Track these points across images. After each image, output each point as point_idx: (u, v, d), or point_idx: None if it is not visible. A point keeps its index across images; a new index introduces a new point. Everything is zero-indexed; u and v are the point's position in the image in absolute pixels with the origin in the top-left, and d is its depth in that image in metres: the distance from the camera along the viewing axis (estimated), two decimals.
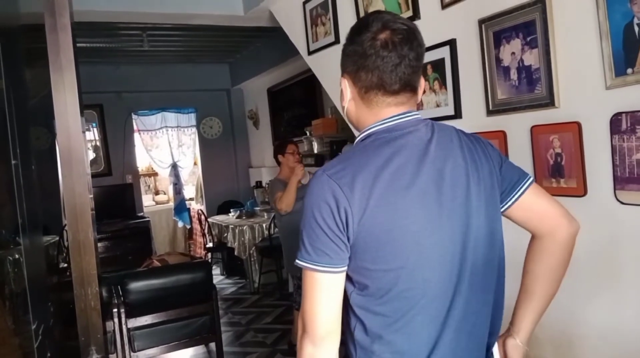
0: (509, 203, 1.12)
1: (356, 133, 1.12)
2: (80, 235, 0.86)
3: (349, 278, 1.01)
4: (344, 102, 1.10)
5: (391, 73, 0.99)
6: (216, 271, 6.46)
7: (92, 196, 1.02)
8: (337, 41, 2.81)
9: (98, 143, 6.80)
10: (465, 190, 1.02)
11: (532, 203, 1.12)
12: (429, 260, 0.98)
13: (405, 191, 0.96)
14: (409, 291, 0.97)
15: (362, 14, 2.53)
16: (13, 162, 1.31)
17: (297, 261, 0.99)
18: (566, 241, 1.14)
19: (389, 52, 0.98)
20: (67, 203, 0.87)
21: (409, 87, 1.03)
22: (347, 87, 1.07)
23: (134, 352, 3.23)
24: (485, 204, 1.05)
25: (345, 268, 0.98)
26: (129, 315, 3.19)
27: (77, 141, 0.91)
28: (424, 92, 1.10)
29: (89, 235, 0.86)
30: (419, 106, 1.92)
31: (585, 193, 1.60)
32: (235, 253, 5.44)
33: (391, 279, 0.97)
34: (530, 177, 1.14)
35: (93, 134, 6.79)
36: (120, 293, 3.24)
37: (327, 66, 3.00)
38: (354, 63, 1.03)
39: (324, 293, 0.97)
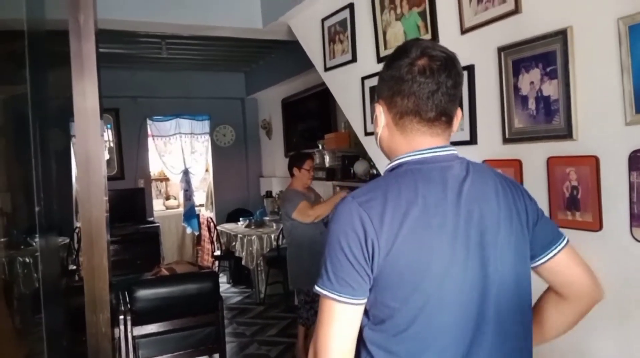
0: (539, 262, 1.10)
1: (378, 158, 1.11)
2: (95, 261, 0.86)
3: (364, 310, 0.98)
4: (377, 129, 1.08)
5: (427, 100, 0.98)
6: (223, 279, 6.46)
7: (106, 198, 1.01)
8: (354, 59, 2.82)
9: (112, 145, 6.87)
10: (494, 237, 1.00)
11: (564, 266, 1.11)
12: (448, 303, 0.95)
13: (434, 231, 0.94)
14: (425, 332, 0.95)
15: (380, 34, 2.54)
16: (33, 164, 1.32)
17: (317, 288, 0.96)
18: (589, 308, 1.14)
19: (426, 78, 0.98)
20: (83, 230, 0.88)
21: (445, 117, 1.02)
22: (381, 113, 1.06)
23: None
24: (514, 255, 1.03)
25: (365, 300, 0.95)
26: (135, 323, 3.20)
27: (95, 152, 0.91)
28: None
29: (104, 261, 0.86)
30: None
31: (600, 228, 1.58)
32: (243, 262, 5.45)
33: (409, 318, 0.94)
34: (565, 238, 1.12)
35: (108, 136, 6.87)
36: (128, 300, 3.26)
37: (343, 84, 3.01)
38: (390, 88, 1.02)
39: (341, 324, 0.94)
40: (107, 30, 3.91)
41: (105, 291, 0.84)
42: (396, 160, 1.04)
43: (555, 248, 1.10)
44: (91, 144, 0.90)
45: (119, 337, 3.15)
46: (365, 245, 0.91)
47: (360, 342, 1.00)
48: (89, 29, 0.88)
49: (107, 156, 6.90)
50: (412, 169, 1.00)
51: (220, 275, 6.45)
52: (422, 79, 0.98)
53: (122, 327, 3.16)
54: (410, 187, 0.96)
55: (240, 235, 5.47)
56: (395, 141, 1.05)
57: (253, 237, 5.37)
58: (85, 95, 0.88)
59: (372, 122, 1.14)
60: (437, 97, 0.99)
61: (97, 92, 0.87)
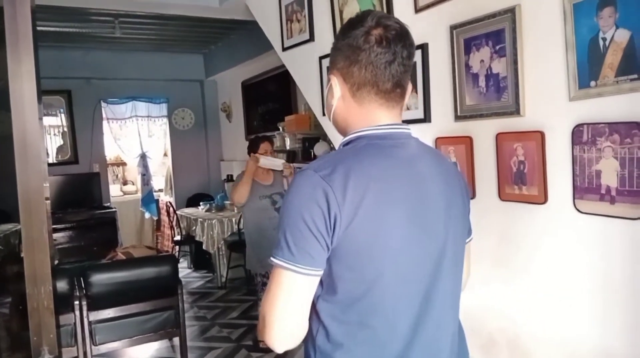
0: None
1: (338, 139, 1.10)
2: (34, 232, 0.83)
3: (319, 281, 0.98)
4: (332, 100, 1.06)
5: (385, 70, 0.98)
6: (183, 264, 6.39)
7: (47, 185, 0.98)
8: (311, 39, 2.80)
9: (65, 129, 6.62)
10: (446, 214, 1.04)
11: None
12: (402, 276, 0.98)
13: (392, 206, 0.95)
14: (378, 303, 0.96)
15: (337, 13, 2.53)
16: None
17: (274, 260, 0.93)
18: None
19: (383, 48, 0.97)
20: (20, 198, 0.85)
21: (400, 88, 1.02)
22: (336, 84, 1.04)
23: (95, 345, 3.17)
24: (460, 232, 1.10)
25: (322, 272, 0.95)
26: (91, 308, 3.13)
27: (33, 136, 0.88)
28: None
29: (43, 232, 0.83)
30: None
31: (545, 200, 1.64)
32: (204, 246, 5.40)
33: (363, 289, 0.96)
34: (472, 234, 1.21)
35: (60, 120, 6.62)
36: (83, 285, 3.18)
37: (301, 63, 2.99)
38: (347, 58, 1.01)
39: (297, 296, 0.94)
40: (56, 7, 3.76)
41: (46, 263, 0.82)
42: (355, 133, 1.03)
43: (467, 239, 1.18)
44: (29, 117, 0.87)
45: (74, 323, 3.08)
46: (328, 217, 0.90)
47: (313, 315, 1.00)
48: None
49: (60, 142, 6.66)
50: (372, 144, 1.00)
51: (181, 260, 6.38)
52: (380, 49, 0.97)
53: (77, 313, 3.09)
54: (371, 162, 0.96)
55: (201, 219, 5.41)
56: (351, 114, 1.05)
57: (214, 221, 5.32)
58: (21, 65, 0.84)
59: (325, 96, 1.13)
60: (393, 68, 0.99)
61: (32, 59, 0.83)
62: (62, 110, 6.58)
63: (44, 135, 1.00)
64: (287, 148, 5.14)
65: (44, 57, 1.52)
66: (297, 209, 0.92)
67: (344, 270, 0.95)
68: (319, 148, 4.49)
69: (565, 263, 1.62)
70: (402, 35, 0.99)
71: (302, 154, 4.88)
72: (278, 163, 3.36)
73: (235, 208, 5.69)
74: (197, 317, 4.58)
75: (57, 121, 6.63)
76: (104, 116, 6.82)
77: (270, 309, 0.94)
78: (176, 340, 3.61)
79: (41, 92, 0.97)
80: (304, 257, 0.91)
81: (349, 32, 1.01)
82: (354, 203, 0.91)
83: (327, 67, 1.11)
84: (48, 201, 0.96)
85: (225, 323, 4.37)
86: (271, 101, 5.95)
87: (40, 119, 0.99)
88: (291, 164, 3.62)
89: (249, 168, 3.30)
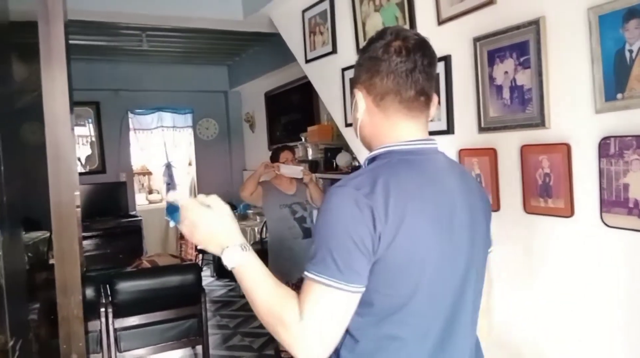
0: None
1: (360, 149, 1.12)
2: (65, 243, 0.86)
3: None
4: (357, 114, 1.07)
5: (407, 78, 1.00)
6: (207, 272, 6.45)
7: (78, 193, 1.01)
8: (334, 51, 2.83)
9: (93, 139, 6.78)
10: (475, 228, 1.05)
11: None
12: (433, 292, 0.98)
13: (429, 224, 0.96)
14: (411, 318, 0.97)
15: (359, 25, 2.55)
16: None
17: (315, 277, 0.91)
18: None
19: (403, 57, 1.00)
20: (53, 210, 0.88)
21: (424, 96, 1.03)
22: (361, 98, 1.06)
23: (120, 352, 3.22)
24: (485, 246, 1.10)
25: (364, 288, 0.94)
26: (116, 315, 3.19)
27: (66, 148, 0.92)
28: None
29: (74, 245, 0.86)
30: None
31: (572, 213, 1.62)
32: None
33: (398, 304, 0.96)
34: (492, 248, 1.18)
35: (89, 130, 6.78)
36: (109, 292, 3.24)
37: (323, 75, 3.02)
38: (368, 70, 1.03)
39: (344, 313, 0.92)
40: (86, 22, 3.87)
41: (76, 274, 0.84)
42: (383, 148, 1.03)
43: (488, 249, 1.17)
44: (61, 131, 0.90)
45: (100, 330, 3.14)
46: (374, 235, 0.91)
47: None
48: (57, 12, 0.88)
49: (89, 151, 6.82)
50: (405, 159, 1.01)
51: (204, 268, 6.43)
52: (399, 58, 0.99)
53: (103, 320, 3.15)
54: (407, 179, 0.97)
55: None
56: (377, 126, 1.05)
57: None
58: (54, 79, 0.88)
59: (351, 112, 1.14)
60: (415, 75, 1.00)
61: (65, 74, 0.87)
62: (90, 120, 6.75)
63: (75, 157, 1.03)
64: (310, 158, 5.16)
65: (74, 70, 1.56)
66: (344, 228, 0.91)
67: (380, 285, 0.95)
68: (341, 159, 4.49)
69: (592, 277, 1.59)
70: (421, 44, 1.02)
71: (325, 165, 4.89)
72: (297, 170, 3.39)
73: (258, 217, 5.73)
74: (219, 325, 4.61)
75: (85, 131, 6.80)
76: (131, 126, 6.96)
77: (311, 324, 0.90)
78: (199, 348, 3.64)
79: (73, 105, 1.00)
80: (352, 275, 0.91)
81: (370, 46, 1.04)
82: (395, 221, 0.91)
83: (350, 85, 1.12)
84: (79, 209, 0.99)
85: (247, 332, 4.39)
86: (294, 111, 5.99)
87: (72, 130, 1.02)
88: (311, 173, 3.64)
89: (258, 170, 3.42)
